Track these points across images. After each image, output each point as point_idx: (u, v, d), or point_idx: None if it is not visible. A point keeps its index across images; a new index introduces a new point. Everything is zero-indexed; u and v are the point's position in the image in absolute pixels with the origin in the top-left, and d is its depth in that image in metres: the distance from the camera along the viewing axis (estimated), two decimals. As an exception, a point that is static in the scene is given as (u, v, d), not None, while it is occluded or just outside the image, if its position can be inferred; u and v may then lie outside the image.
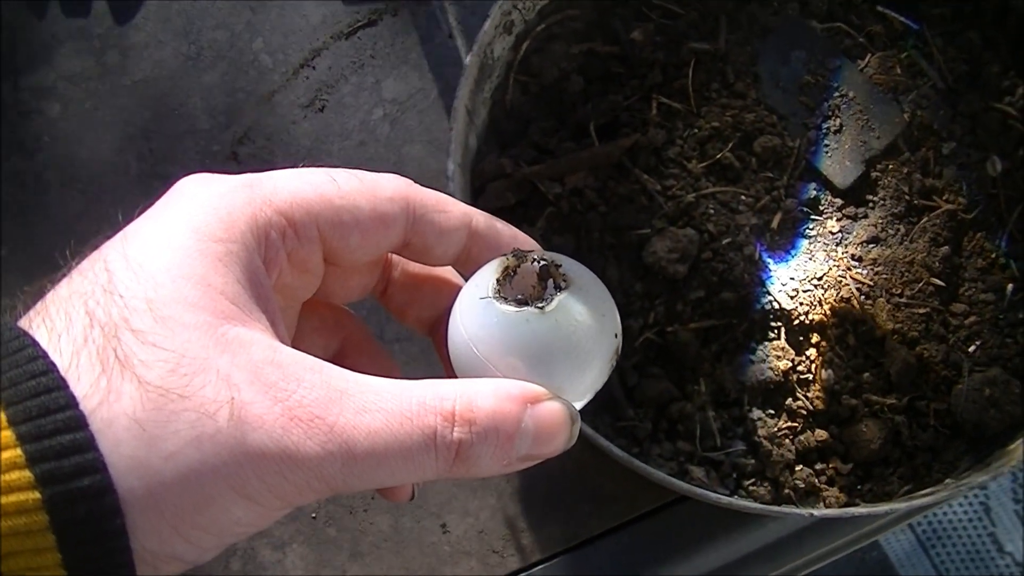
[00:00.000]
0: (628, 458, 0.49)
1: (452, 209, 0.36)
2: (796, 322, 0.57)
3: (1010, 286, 0.59)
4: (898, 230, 0.59)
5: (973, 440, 0.57)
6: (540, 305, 0.31)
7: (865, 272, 0.58)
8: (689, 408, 0.56)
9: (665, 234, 0.57)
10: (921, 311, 0.58)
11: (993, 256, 0.60)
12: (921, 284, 0.58)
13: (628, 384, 0.57)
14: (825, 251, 0.59)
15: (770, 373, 0.56)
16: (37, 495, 0.24)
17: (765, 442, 0.56)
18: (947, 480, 0.55)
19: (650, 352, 0.58)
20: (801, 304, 0.57)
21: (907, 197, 0.60)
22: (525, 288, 0.33)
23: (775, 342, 0.57)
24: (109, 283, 0.28)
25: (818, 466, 0.56)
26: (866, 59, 0.63)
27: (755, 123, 0.60)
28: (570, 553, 0.61)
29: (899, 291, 0.58)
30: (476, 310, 0.32)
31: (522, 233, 0.37)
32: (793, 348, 0.57)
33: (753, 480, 0.56)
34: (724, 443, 0.56)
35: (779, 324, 0.57)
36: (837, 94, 0.62)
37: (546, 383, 0.31)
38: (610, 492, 0.62)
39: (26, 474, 0.24)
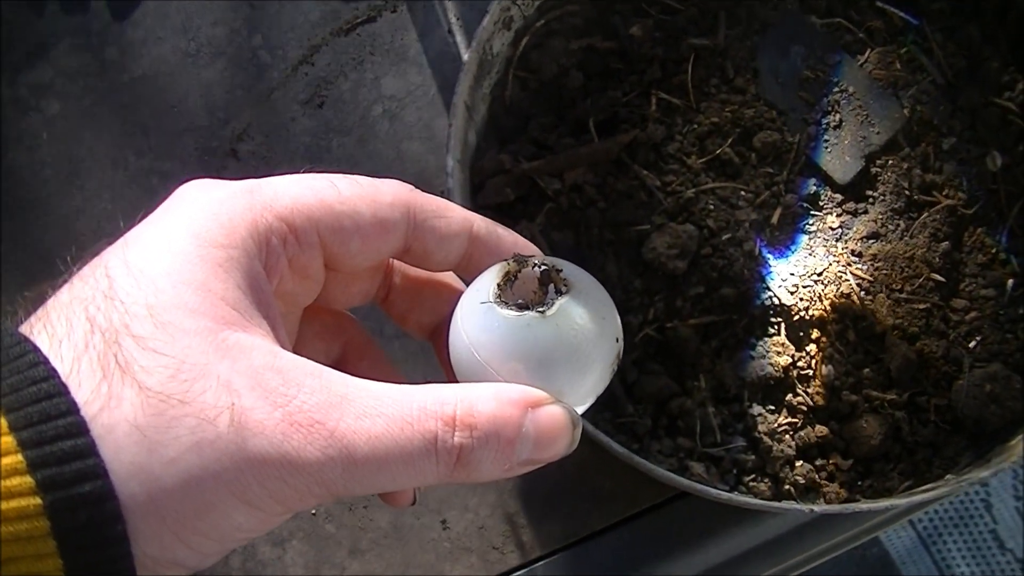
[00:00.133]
0: (628, 454, 0.49)
1: (453, 214, 0.35)
2: (796, 318, 0.57)
3: (1010, 281, 0.59)
4: (898, 225, 0.59)
5: (974, 436, 0.57)
6: (541, 310, 0.31)
7: (865, 268, 0.58)
8: (689, 404, 0.56)
9: (665, 230, 0.57)
10: (921, 307, 0.58)
11: (993, 251, 0.60)
12: (921, 280, 0.58)
13: (628, 380, 0.57)
14: (825, 247, 0.59)
15: (770, 369, 0.56)
16: (38, 501, 0.24)
17: (765, 438, 0.56)
18: (948, 476, 0.55)
19: (650, 348, 0.58)
20: (801, 300, 0.57)
21: (907, 192, 0.60)
22: (526, 293, 0.33)
23: (775, 338, 0.57)
24: (110, 289, 0.28)
25: (818, 462, 0.56)
26: (866, 54, 0.63)
27: (754, 119, 0.60)
28: (570, 549, 0.61)
29: (899, 287, 0.58)
30: (477, 315, 0.32)
31: (523, 238, 0.37)
32: (793, 344, 0.57)
33: (753, 476, 0.56)
34: (724, 439, 0.56)
35: (779, 320, 0.57)
36: (837, 89, 0.62)
37: (547, 387, 0.31)
38: (610, 488, 0.62)
39: (27, 480, 0.24)
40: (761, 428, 0.56)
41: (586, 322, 0.31)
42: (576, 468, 0.62)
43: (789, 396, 0.57)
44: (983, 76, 0.62)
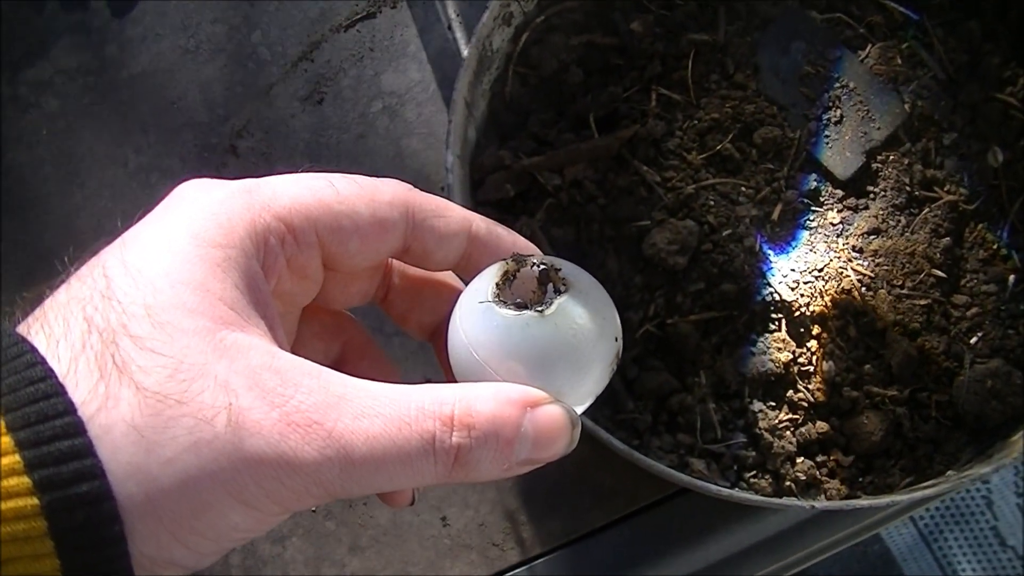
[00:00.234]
0: (628, 451, 0.49)
1: (452, 214, 0.35)
2: (797, 314, 0.57)
3: (1012, 277, 0.59)
4: (899, 221, 0.59)
5: (975, 432, 0.57)
6: (540, 309, 0.31)
7: (866, 263, 0.58)
8: (689, 400, 0.56)
9: (665, 226, 0.57)
10: (922, 302, 0.58)
11: (994, 247, 0.60)
12: (922, 275, 0.58)
13: (628, 376, 0.57)
14: (826, 242, 0.59)
15: (771, 365, 0.56)
16: (36, 501, 0.24)
17: (766, 434, 0.56)
18: (949, 472, 0.55)
19: (650, 344, 0.58)
20: (802, 296, 0.57)
21: (908, 188, 0.59)
22: (525, 292, 0.32)
23: (776, 334, 0.57)
24: (107, 289, 0.28)
25: (819, 458, 0.56)
26: (866, 50, 0.63)
27: (755, 114, 0.60)
28: (571, 546, 0.61)
29: (900, 282, 0.58)
30: (476, 314, 0.31)
31: (522, 238, 0.37)
32: (794, 340, 0.57)
33: (754, 472, 0.56)
34: (725, 435, 0.56)
35: (780, 316, 0.57)
36: (837, 85, 0.62)
37: (546, 387, 0.31)
38: (610, 485, 0.62)
39: (24, 480, 0.24)
40: (762, 424, 0.56)
41: (585, 321, 0.31)
42: (576, 465, 0.62)
43: (790, 392, 0.57)
44: (984, 71, 0.62)
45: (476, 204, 0.59)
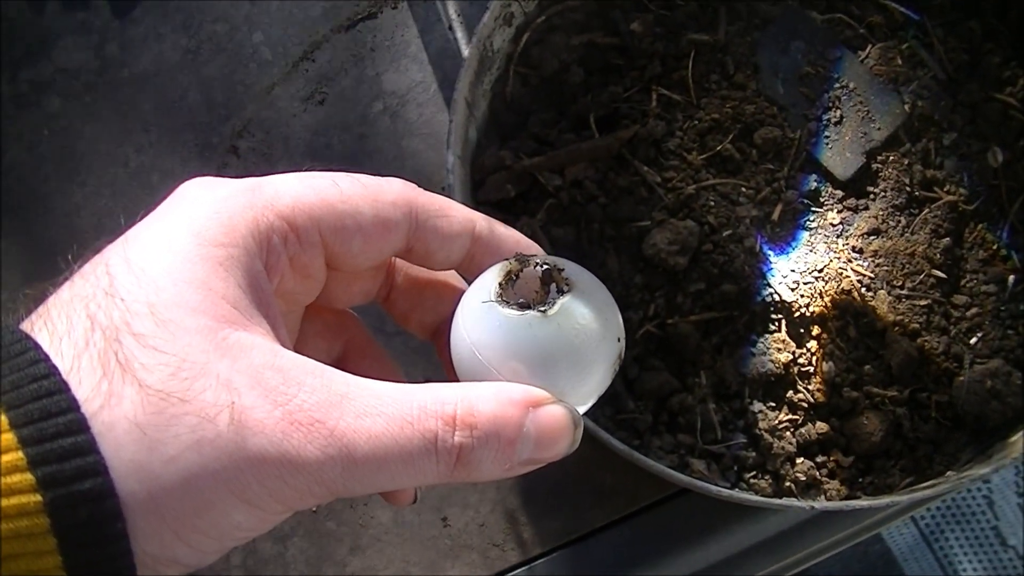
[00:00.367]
0: (629, 451, 0.49)
1: (455, 214, 0.35)
2: (797, 314, 0.57)
3: (1011, 277, 0.59)
4: (899, 221, 0.59)
5: (975, 432, 0.57)
6: (542, 309, 0.31)
7: (866, 264, 0.58)
8: (690, 401, 0.56)
9: (665, 226, 0.57)
10: (922, 303, 0.58)
11: (994, 247, 0.60)
12: (922, 276, 0.58)
13: (629, 376, 0.57)
14: (826, 243, 0.59)
15: (771, 365, 0.56)
16: (38, 498, 0.24)
17: (766, 435, 0.56)
18: (949, 472, 0.55)
19: (650, 344, 0.58)
20: (802, 296, 0.57)
21: (908, 188, 0.59)
22: (528, 292, 0.33)
23: (776, 334, 0.57)
24: (110, 287, 0.28)
25: (819, 459, 0.56)
26: (866, 50, 0.63)
27: (755, 114, 0.60)
28: (571, 546, 0.61)
29: (900, 283, 0.58)
30: (478, 314, 0.32)
31: (525, 237, 0.37)
32: (794, 340, 0.57)
33: (754, 473, 0.56)
34: (725, 436, 0.56)
35: (780, 316, 0.57)
36: (837, 85, 0.62)
37: (549, 387, 0.31)
38: (611, 485, 0.62)
39: (27, 477, 0.24)
40: (762, 425, 0.56)
41: (588, 322, 0.31)
42: (577, 465, 0.62)
43: (790, 393, 0.57)
44: (984, 71, 0.62)
45: (477, 204, 0.59)
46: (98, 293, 0.27)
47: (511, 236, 0.37)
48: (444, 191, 0.52)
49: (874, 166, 0.60)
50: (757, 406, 0.57)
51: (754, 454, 0.56)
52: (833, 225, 0.59)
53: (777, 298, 0.57)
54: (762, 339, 0.57)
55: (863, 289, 0.58)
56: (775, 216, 0.59)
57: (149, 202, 0.31)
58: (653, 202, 0.58)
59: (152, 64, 0.72)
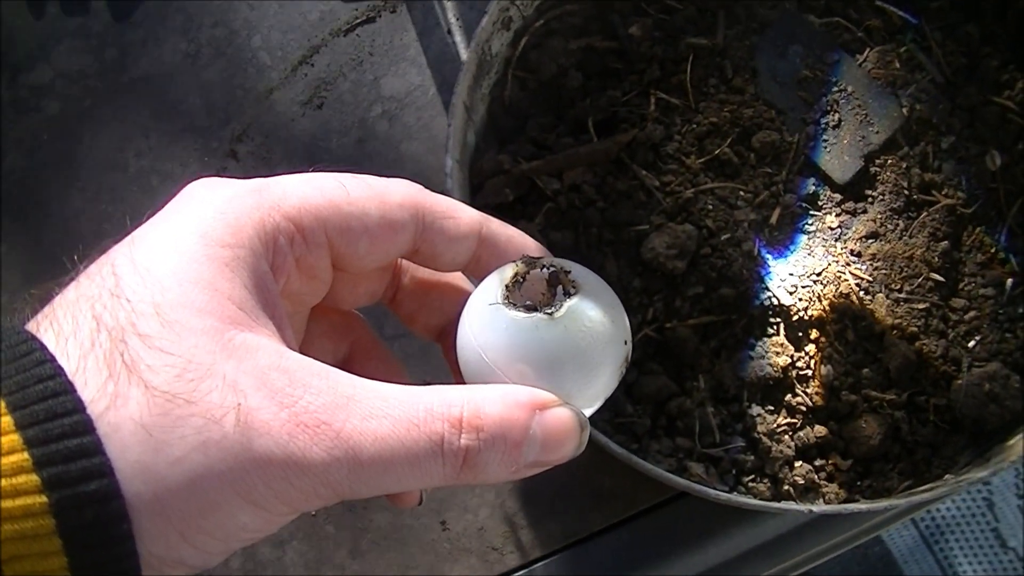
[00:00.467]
0: (627, 455, 0.49)
1: (462, 215, 0.35)
2: (795, 318, 0.57)
3: (1010, 281, 0.59)
4: (897, 225, 0.59)
5: (973, 435, 0.57)
6: (549, 311, 0.31)
7: (864, 267, 0.58)
8: (688, 404, 0.56)
9: (663, 230, 0.57)
10: (920, 306, 0.58)
11: (993, 251, 0.60)
12: (920, 279, 0.58)
13: (627, 380, 0.57)
14: (824, 246, 0.59)
15: (769, 369, 0.56)
16: (44, 499, 0.24)
17: (764, 438, 0.56)
18: (947, 476, 0.55)
19: (649, 348, 0.58)
20: (800, 300, 0.57)
21: (906, 192, 0.60)
22: (534, 294, 0.33)
23: (774, 338, 0.57)
24: (116, 287, 0.28)
25: (817, 462, 0.56)
26: (864, 53, 0.63)
27: (753, 118, 0.60)
28: (570, 550, 0.61)
29: (898, 286, 0.58)
30: (485, 316, 0.32)
31: (532, 239, 0.37)
32: (792, 344, 0.57)
33: (752, 476, 0.56)
34: (723, 439, 0.56)
35: (778, 320, 0.57)
36: (836, 89, 0.62)
37: (555, 390, 0.31)
38: (609, 489, 0.62)
39: (33, 478, 0.24)
40: (760, 428, 0.56)
41: (595, 324, 0.31)
42: (575, 468, 0.62)
43: (788, 396, 0.57)
44: (982, 75, 0.62)
45: (475, 208, 0.59)
46: (104, 293, 0.27)
47: (518, 238, 0.37)
48: (442, 195, 0.52)
49: (872, 169, 0.60)
50: (755, 410, 0.57)
51: (752, 458, 0.56)
52: (831, 229, 0.60)
53: (775, 302, 0.57)
54: (760, 343, 0.57)
55: (861, 292, 0.58)
56: (773, 220, 0.59)
57: (149, 206, 0.31)
58: (651, 206, 0.58)
59: (151, 68, 0.72)
